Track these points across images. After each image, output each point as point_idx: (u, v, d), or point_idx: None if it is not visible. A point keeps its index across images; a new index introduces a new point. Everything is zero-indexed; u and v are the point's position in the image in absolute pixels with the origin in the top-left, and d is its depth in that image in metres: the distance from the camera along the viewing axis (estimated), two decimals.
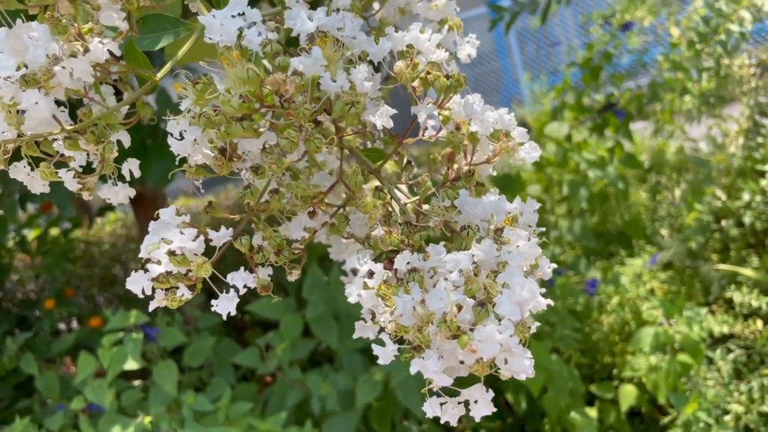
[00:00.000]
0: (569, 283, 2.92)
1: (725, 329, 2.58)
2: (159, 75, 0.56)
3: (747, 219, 2.91)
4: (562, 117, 3.18)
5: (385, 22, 0.61)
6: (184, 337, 2.58)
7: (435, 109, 0.54)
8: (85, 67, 0.50)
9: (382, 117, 0.50)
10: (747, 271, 2.81)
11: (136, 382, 2.61)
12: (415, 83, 0.54)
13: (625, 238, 3.55)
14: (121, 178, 0.61)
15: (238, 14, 0.45)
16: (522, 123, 0.59)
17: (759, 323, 2.58)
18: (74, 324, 3.85)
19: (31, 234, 3.83)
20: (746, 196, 2.92)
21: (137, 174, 0.61)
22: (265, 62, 0.49)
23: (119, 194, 0.61)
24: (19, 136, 0.53)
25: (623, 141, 3.35)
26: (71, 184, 0.57)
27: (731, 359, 2.52)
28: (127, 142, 0.59)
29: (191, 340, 2.71)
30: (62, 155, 0.56)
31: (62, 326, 3.80)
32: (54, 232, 3.76)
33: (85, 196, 0.59)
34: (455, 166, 0.57)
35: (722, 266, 2.93)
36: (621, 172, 3.42)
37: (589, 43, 3.52)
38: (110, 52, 0.52)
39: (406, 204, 0.56)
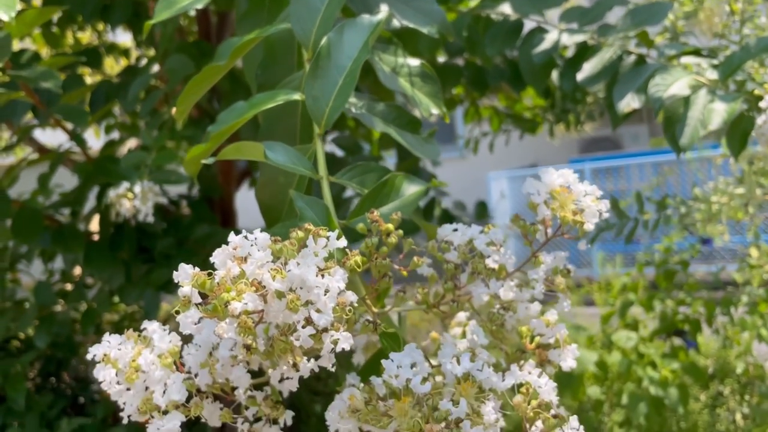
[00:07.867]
0: None
1: None
2: None
3: None
4: (628, 319, 3.23)
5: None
6: None
7: None
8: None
9: None
10: None
11: None
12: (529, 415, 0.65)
13: None
14: (276, 423, 0.73)
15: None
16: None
17: None
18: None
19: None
20: None
21: (290, 422, 0.74)
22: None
23: None
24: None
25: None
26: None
27: None
28: None
29: None
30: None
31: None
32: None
33: None
34: None
35: None
36: (681, 379, 3.38)
37: (666, 247, 3.60)
38: None
39: None
